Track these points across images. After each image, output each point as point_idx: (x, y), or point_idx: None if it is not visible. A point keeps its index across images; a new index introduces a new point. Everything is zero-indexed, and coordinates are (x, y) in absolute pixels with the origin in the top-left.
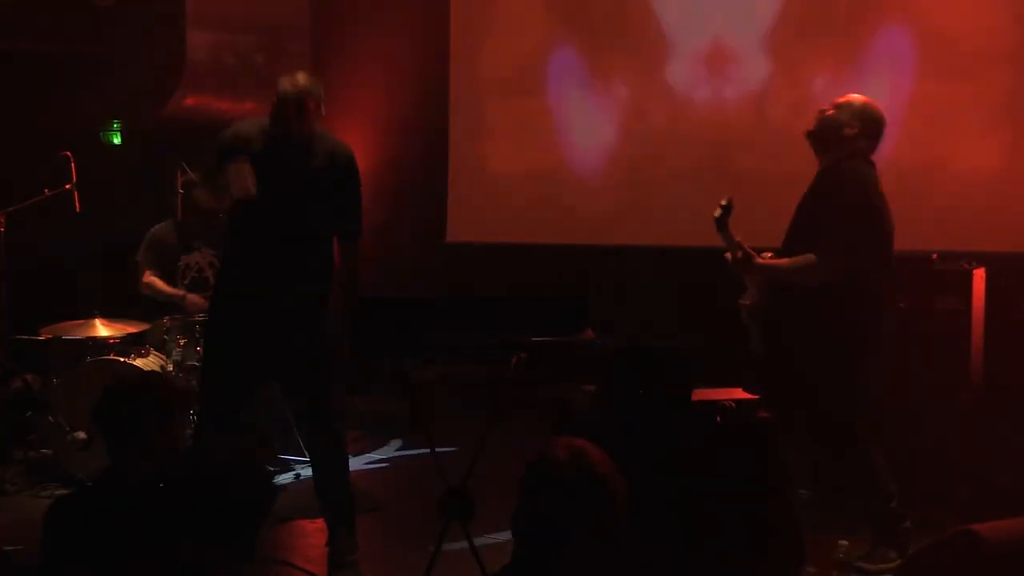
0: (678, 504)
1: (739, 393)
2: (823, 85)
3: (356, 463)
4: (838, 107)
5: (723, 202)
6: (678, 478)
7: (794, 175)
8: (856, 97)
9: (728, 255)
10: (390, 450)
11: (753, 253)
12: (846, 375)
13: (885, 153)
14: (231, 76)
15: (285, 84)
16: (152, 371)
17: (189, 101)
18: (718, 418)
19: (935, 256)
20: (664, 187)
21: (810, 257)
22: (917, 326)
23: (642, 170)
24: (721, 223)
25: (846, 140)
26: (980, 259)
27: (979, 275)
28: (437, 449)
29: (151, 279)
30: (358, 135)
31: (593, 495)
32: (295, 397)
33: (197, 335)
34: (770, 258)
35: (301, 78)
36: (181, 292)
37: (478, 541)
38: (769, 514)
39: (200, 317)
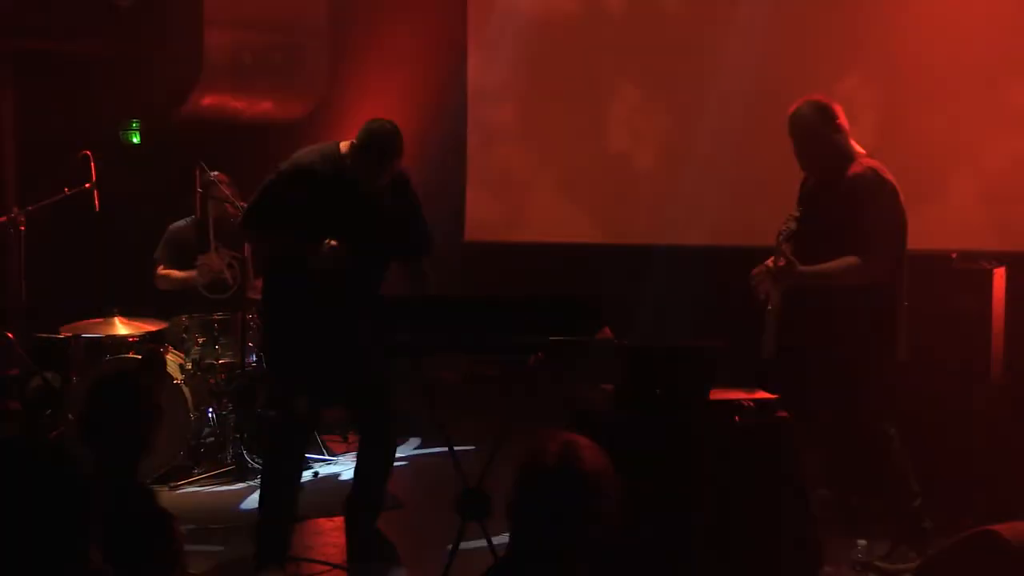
0: (695, 503)
1: (758, 393)
2: (842, 82)
3: None
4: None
5: (796, 214)
6: (696, 477)
7: None
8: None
9: (771, 261)
10: (408, 448)
11: (795, 260)
12: (874, 374)
13: (904, 152)
14: (249, 75)
15: (382, 132)
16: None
17: (207, 100)
18: (736, 418)
19: (954, 255)
20: (682, 186)
21: (852, 260)
22: (936, 326)
23: (659, 170)
24: (791, 234)
25: (825, 145)
26: (1000, 258)
27: (999, 274)
28: (455, 448)
29: (165, 271)
30: None
31: (581, 491)
32: (360, 413)
33: (215, 332)
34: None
35: (395, 130)
36: (192, 272)
37: (496, 540)
38: (787, 514)
39: (218, 315)
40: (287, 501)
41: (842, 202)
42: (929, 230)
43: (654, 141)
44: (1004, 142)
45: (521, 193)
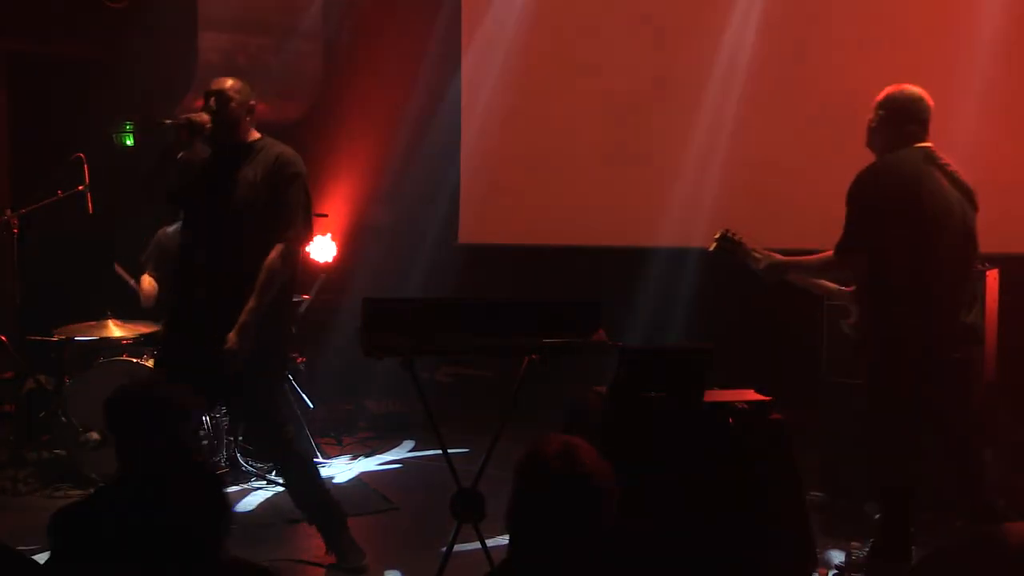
0: (689, 505)
1: (751, 395)
2: (838, 83)
3: (369, 464)
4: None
5: (716, 235)
6: (689, 479)
7: (809, 170)
8: (889, 88)
9: (758, 269)
10: (402, 451)
11: (769, 254)
12: (872, 379)
13: None
14: (242, 78)
15: (211, 86)
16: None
17: (201, 103)
18: (731, 420)
19: None
20: (678, 189)
21: (829, 253)
22: None
23: (655, 172)
24: (724, 251)
25: (872, 131)
26: (993, 261)
27: (992, 276)
28: (449, 450)
29: (144, 278)
30: (370, 138)
31: (579, 492)
32: (237, 412)
33: None
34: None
35: (228, 81)
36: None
37: (490, 542)
38: (781, 516)
39: None
40: None
41: None
42: None
43: (650, 143)
44: (996, 144)
45: (514, 196)
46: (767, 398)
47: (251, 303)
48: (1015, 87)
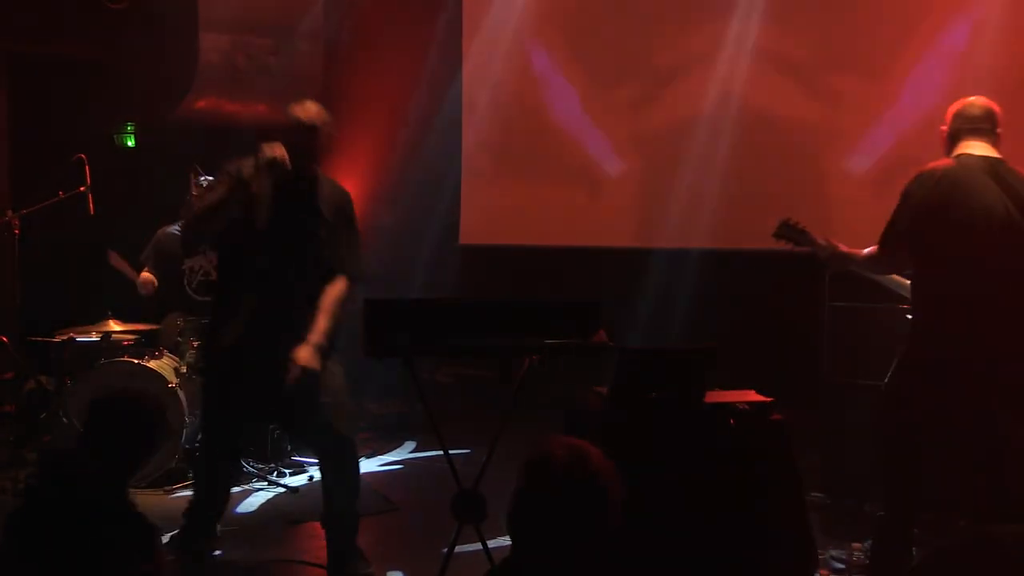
0: (690, 506)
1: (752, 395)
2: (837, 82)
3: (370, 465)
4: None
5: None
6: (690, 480)
7: (810, 171)
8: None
9: (823, 258)
10: (404, 452)
11: (833, 243)
12: (888, 380)
13: (904, 157)
14: (243, 78)
15: (298, 114)
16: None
17: (202, 103)
18: (732, 420)
19: None
20: (678, 189)
21: (875, 248)
22: None
23: (655, 172)
24: (786, 239)
25: (943, 139)
26: None
27: None
28: (450, 451)
29: (142, 274)
30: (371, 140)
31: (587, 493)
32: (301, 431)
33: None
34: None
35: (314, 109)
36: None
37: (491, 542)
38: (781, 517)
39: None
40: (199, 501)
41: None
42: None
43: (651, 144)
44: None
45: (514, 196)
46: (768, 399)
47: (322, 326)
48: (1015, 85)
